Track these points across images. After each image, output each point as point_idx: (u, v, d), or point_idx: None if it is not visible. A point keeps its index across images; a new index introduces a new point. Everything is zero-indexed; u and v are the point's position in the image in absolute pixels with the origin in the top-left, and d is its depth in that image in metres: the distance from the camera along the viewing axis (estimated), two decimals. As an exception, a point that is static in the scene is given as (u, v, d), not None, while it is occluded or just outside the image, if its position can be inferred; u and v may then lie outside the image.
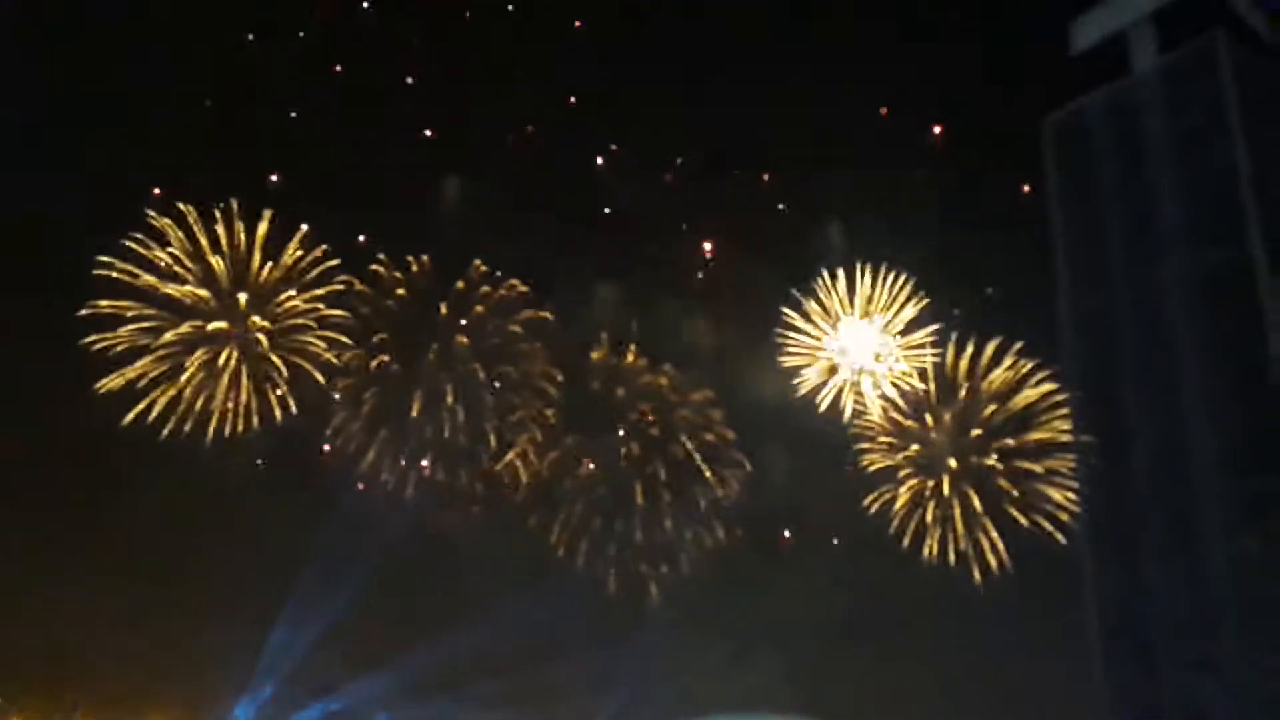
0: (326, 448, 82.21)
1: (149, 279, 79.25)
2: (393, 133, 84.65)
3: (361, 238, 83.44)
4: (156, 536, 79.88)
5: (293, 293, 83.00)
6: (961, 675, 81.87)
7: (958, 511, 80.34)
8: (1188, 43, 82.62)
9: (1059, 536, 78.53)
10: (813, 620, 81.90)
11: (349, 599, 78.16)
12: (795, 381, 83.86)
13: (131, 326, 77.44)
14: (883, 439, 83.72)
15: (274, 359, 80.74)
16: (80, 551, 79.27)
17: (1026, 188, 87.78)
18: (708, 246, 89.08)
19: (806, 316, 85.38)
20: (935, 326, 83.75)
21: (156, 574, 79.57)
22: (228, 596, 78.03)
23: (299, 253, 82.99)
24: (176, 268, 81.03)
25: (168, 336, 77.88)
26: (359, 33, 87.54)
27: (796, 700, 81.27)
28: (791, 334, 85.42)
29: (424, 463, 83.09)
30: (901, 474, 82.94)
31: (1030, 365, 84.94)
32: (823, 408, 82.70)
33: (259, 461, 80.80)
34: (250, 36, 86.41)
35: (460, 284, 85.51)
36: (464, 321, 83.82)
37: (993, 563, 79.93)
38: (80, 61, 79.03)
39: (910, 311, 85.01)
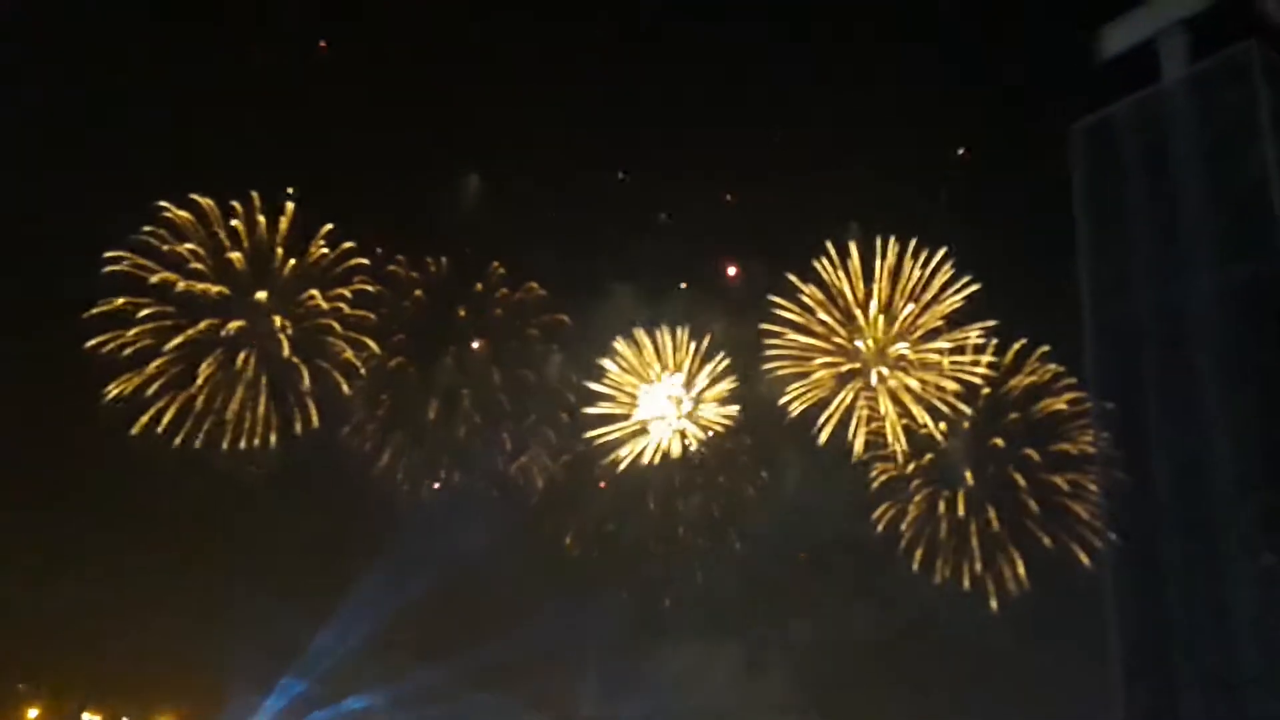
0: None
1: (164, 275, 78.84)
2: (408, 133, 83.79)
3: (379, 250, 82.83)
4: (183, 537, 79.67)
5: (315, 292, 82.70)
6: (978, 689, 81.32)
7: (974, 530, 79.50)
8: (1220, 51, 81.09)
9: (1084, 558, 77.60)
10: (827, 631, 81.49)
11: (381, 606, 78.33)
12: (792, 394, 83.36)
13: (142, 327, 77.27)
14: (893, 448, 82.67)
15: (296, 362, 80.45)
16: (107, 550, 78.92)
17: (1051, 195, 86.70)
18: (731, 270, 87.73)
19: (811, 311, 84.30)
20: (987, 324, 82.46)
21: (182, 572, 79.11)
22: (261, 597, 77.68)
23: (324, 250, 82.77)
24: (195, 263, 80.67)
25: (180, 339, 77.49)
26: (375, 31, 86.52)
27: (812, 710, 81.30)
28: (789, 334, 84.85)
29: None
30: (912, 486, 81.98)
31: (1051, 373, 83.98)
32: (828, 427, 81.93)
33: (280, 469, 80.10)
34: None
35: (479, 286, 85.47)
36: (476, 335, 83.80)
37: (1010, 585, 79.04)
38: (87, 55, 78.25)
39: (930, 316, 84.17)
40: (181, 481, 79.04)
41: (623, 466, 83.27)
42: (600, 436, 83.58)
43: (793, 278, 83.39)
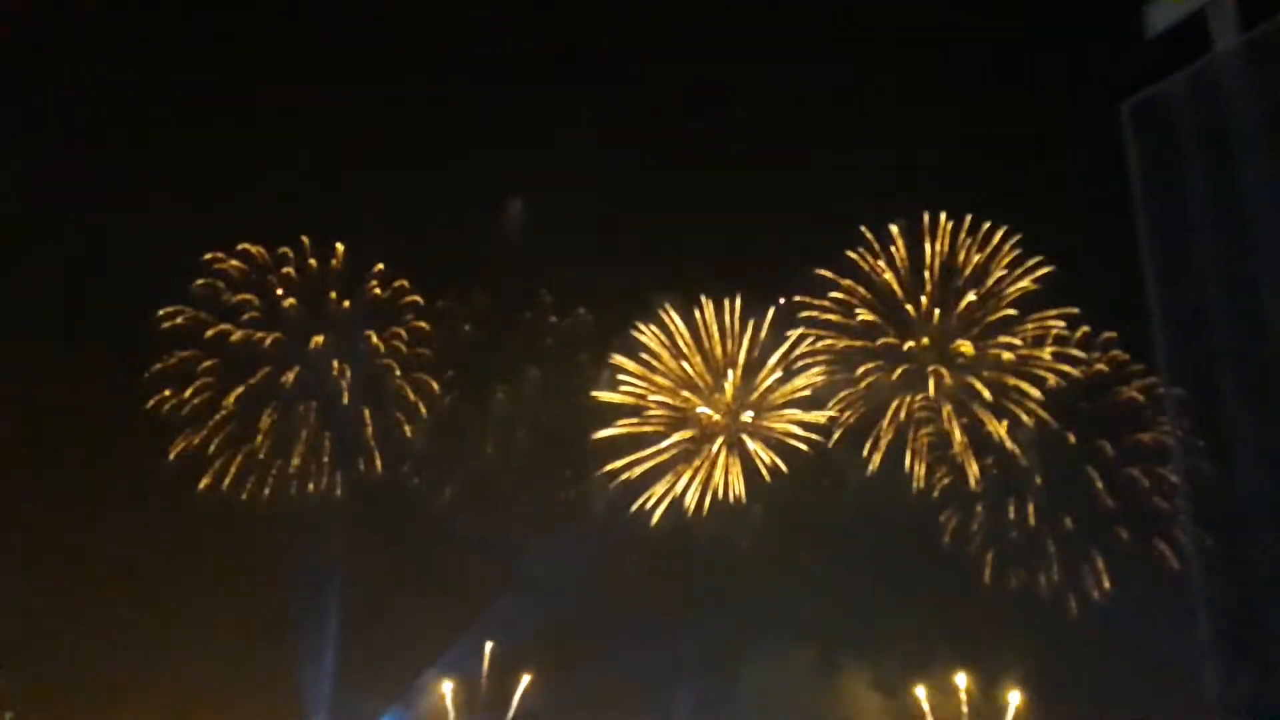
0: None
1: (220, 327, 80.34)
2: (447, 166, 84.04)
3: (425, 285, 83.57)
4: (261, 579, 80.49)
5: (371, 333, 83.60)
6: (1063, 683, 79.21)
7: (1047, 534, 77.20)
8: (1271, 17, 77.55)
9: (1168, 552, 75.09)
10: (900, 625, 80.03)
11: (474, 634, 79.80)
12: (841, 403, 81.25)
13: (202, 381, 78.63)
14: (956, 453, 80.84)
15: (358, 408, 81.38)
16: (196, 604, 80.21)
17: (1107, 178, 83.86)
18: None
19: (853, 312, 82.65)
20: (1066, 311, 79.92)
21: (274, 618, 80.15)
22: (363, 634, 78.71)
23: (376, 289, 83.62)
24: (252, 313, 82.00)
25: (238, 390, 78.76)
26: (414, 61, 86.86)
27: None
28: (842, 340, 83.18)
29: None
30: (979, 487, 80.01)
31: (1116, 360, 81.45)
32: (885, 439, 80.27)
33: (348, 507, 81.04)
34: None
35: (528, 314, 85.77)
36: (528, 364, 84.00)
37: (1092, 589, 76.73)
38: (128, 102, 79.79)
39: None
40: (260, 525, 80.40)
41: (679, 486, 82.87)
42: (653, 456, 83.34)
43: (828, 274, 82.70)
